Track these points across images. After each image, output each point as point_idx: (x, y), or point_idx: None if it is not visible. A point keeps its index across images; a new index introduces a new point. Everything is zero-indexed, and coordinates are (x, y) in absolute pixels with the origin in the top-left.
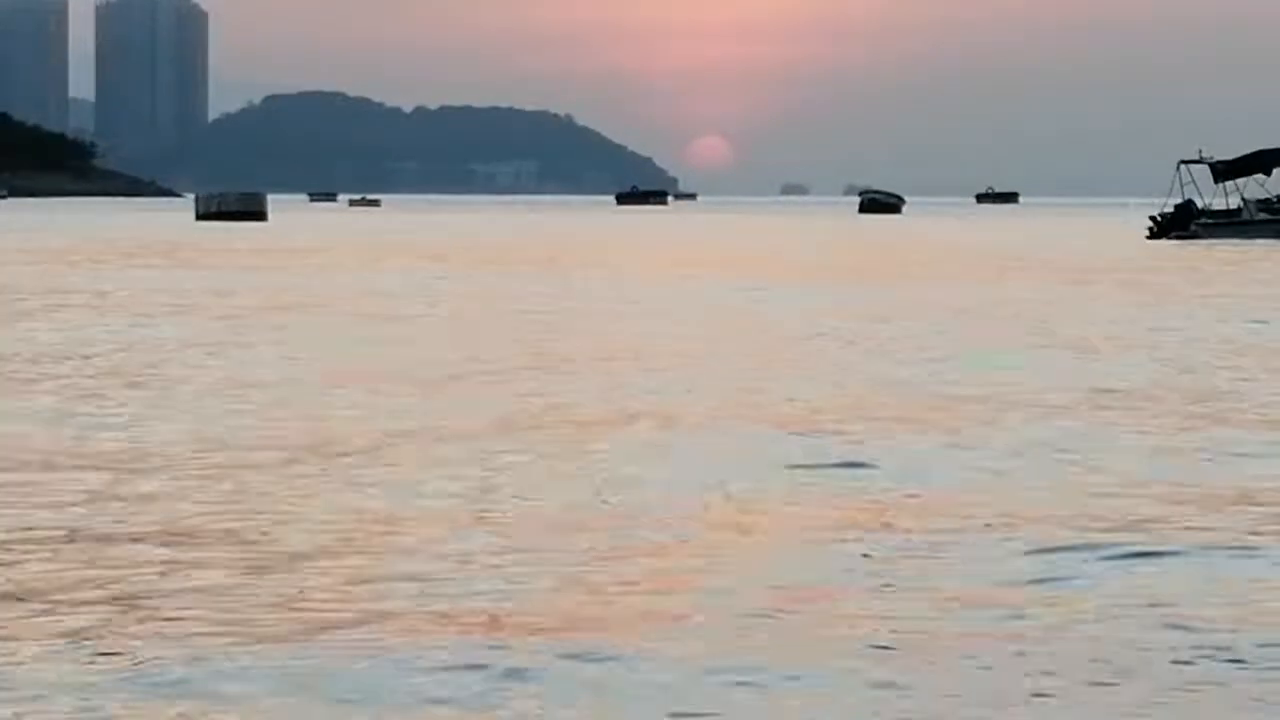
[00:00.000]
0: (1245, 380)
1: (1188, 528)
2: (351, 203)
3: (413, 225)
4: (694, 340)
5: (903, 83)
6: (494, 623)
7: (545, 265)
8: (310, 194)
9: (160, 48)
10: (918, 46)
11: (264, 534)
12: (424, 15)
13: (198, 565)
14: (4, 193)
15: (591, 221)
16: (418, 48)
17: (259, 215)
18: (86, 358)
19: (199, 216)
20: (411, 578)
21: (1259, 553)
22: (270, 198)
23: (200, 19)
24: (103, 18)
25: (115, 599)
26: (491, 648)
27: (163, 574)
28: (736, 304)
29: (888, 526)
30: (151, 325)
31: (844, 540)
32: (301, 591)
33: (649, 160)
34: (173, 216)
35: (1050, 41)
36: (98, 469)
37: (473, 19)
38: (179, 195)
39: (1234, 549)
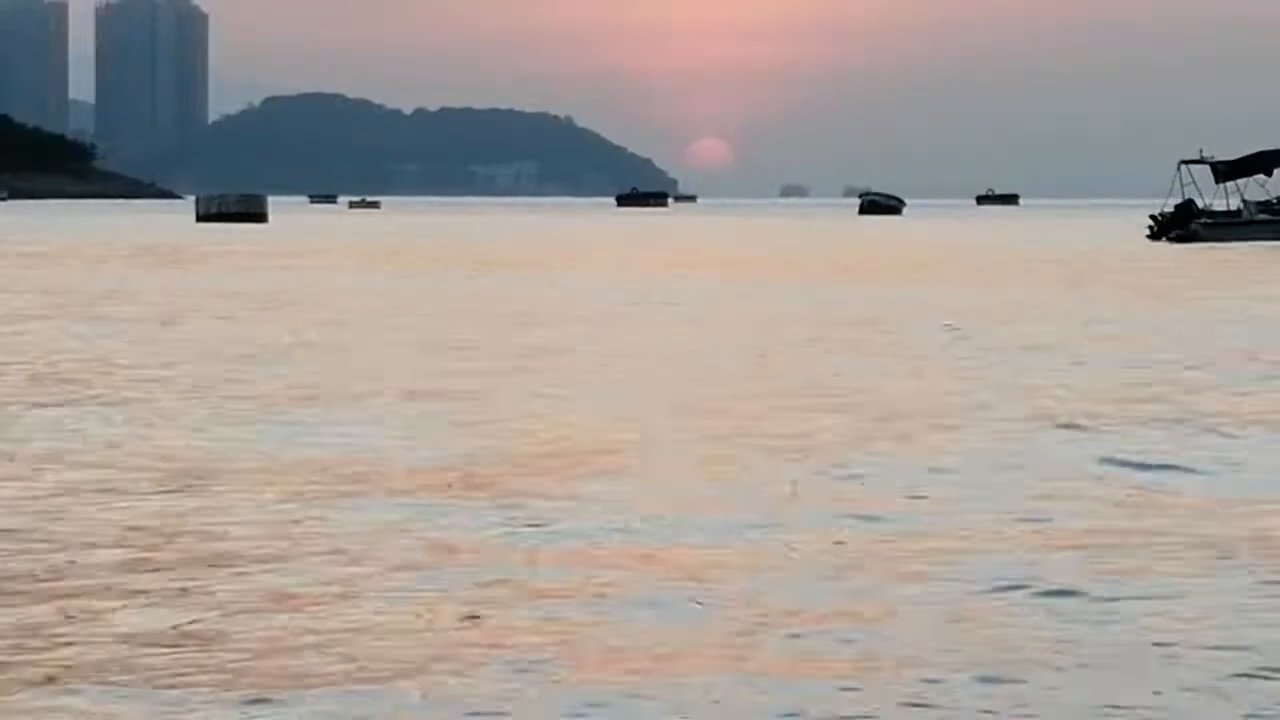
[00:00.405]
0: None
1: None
2: (351, 204)
3: (413, 227)
4: (681, 341)
5: (903, 83)
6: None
7: (553, 266)
8: (310, 196)
9: (160, 49)
10: (918, 46)
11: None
12: (424, 16)
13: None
14: (4, 194)
15: (593, 223)
16: (418, 49)
17: (259, 217)
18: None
19: (199, 218)
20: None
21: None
22: (270, 199)
23: (200, 20)
24: (103, 18)
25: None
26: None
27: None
28: (734, 305)
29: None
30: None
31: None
32: (234, 597)
33: (649, 161)
34: (173, 219)
35: (1050, 41)
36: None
37: (473, 19)
38: (179, 197)
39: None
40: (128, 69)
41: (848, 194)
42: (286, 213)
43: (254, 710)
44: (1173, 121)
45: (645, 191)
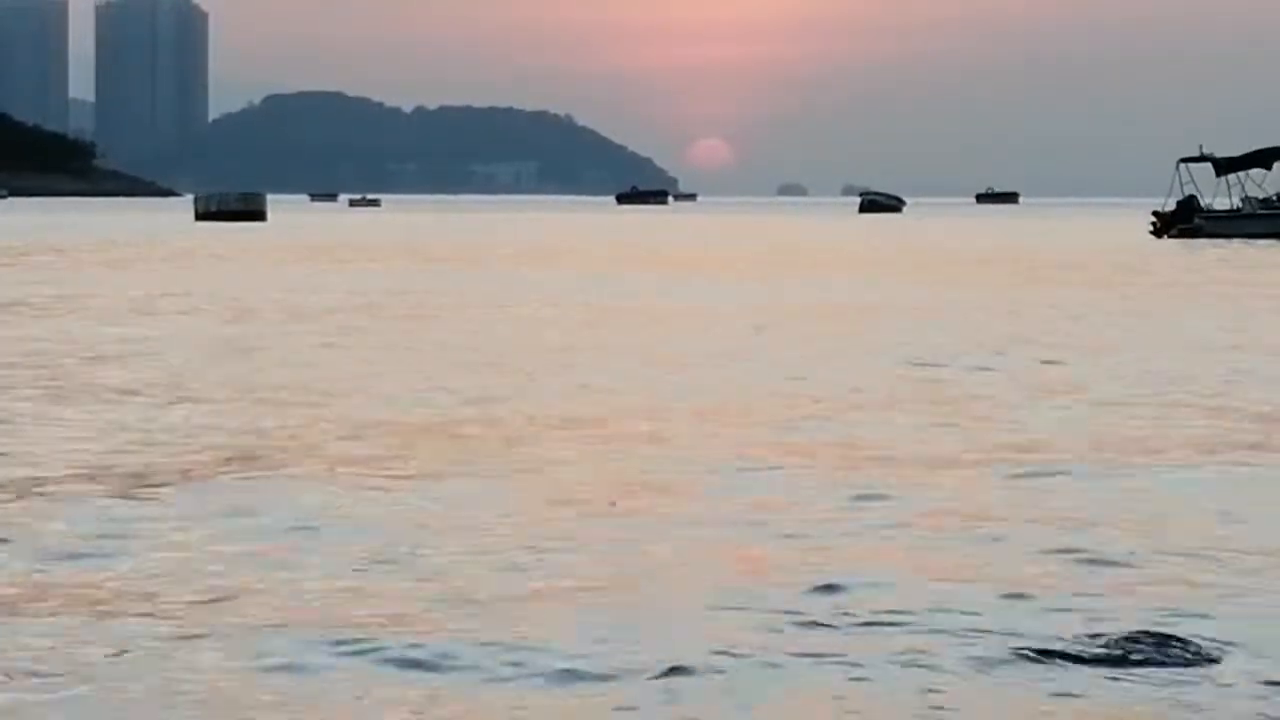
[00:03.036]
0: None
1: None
2: (351, 203)
3: (416, 225)
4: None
5: (902, 82)
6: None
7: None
8: (311, 194)
9: (160, 48)
10: (917, 47)
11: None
12: (424, 15)
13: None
14: (4, 194)
15: (596, 222)
16: (418, 47)
17: (258, 215)
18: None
19: (198, 217)
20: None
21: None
22: (271, 198)
23: (200, 19)
24: (103, 18)
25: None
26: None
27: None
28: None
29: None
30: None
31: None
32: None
33: (649, 160)
34: (172, 217)
35: (1050, 41)
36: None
37: (472, 19)
38: (179, 195)
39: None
40: (128, 68)
41: (846, 192)
42: (286, 211)
43: None
44: (1173, 121)
45: (645, 190)
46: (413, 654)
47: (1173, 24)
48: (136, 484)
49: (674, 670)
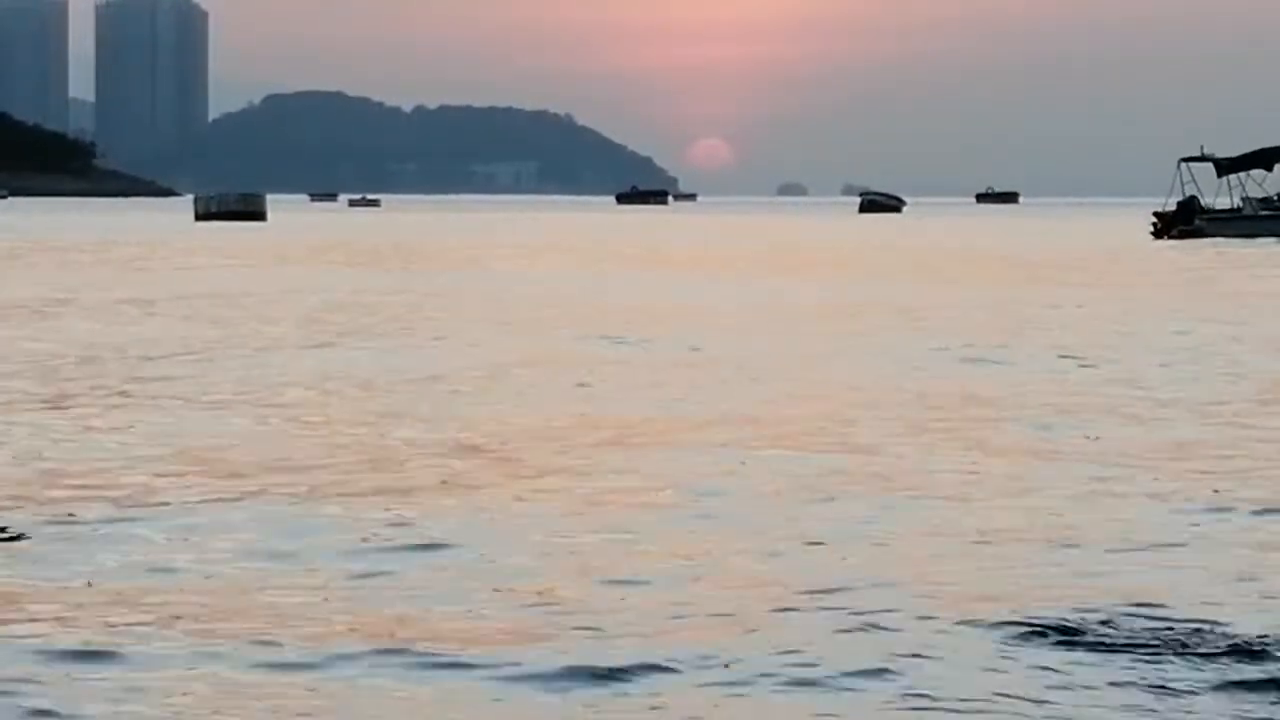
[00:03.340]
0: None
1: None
2: (351, 203)
3: (416, 225)
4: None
5: (902, 82)
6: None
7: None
8: (311, 194)
9: (160, 48)
10: (917, 46)
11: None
12: (424, 15)
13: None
14: (4, 194)
15: (596, 221)
16: (418, 47)
17: (258, 215)
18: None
19: (198, 217)
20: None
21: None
22: (271, 198)
23: (200, 19)
24: (103, 18)
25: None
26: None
27: None
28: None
29: None
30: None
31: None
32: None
33: (649, 160)
34: (172, 217)
35: (1050, 41)
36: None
37: (472, 19)
38: (179, 195)
39: None
40: (128, 67)
41: (846, 192)
42: (286, 211)
43: None
44: (1173, 121)
45: (645, 190)
46: (406, 659)
47: (1173, 24)
48: (132, 486)
49: (657, 647)
